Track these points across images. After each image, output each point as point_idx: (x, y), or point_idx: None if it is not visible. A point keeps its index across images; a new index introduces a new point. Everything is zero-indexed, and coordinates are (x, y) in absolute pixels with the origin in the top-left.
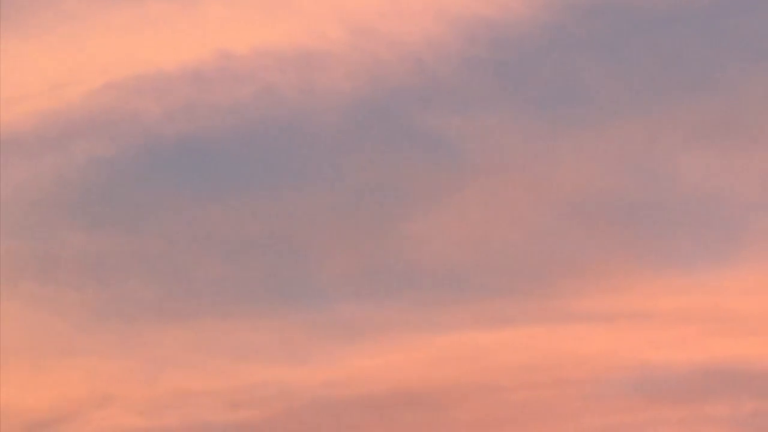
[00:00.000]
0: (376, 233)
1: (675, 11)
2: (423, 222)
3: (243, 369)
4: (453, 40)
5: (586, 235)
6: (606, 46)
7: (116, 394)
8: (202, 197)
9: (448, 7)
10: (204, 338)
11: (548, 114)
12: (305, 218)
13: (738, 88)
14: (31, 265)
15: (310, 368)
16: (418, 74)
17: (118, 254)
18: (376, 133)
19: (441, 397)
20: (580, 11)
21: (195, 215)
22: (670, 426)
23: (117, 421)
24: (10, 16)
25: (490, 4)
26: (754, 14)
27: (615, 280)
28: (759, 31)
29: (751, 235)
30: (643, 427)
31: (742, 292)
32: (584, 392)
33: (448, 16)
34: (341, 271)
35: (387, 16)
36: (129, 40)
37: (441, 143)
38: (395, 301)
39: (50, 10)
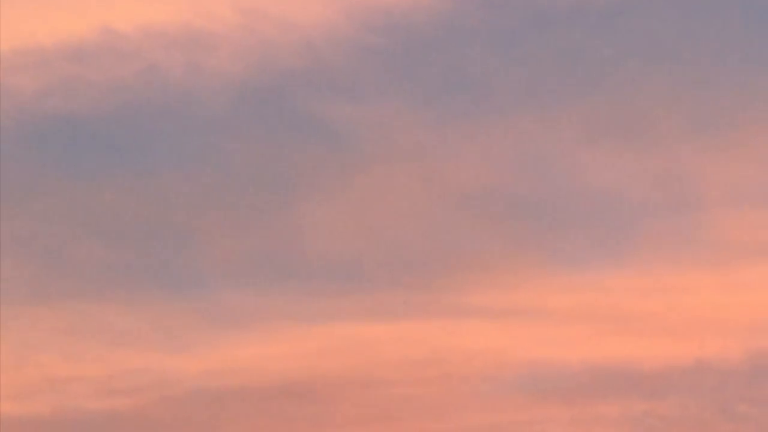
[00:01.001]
0: (263, 220)
1: (575, 8)
2: (311, 211)
3: (118, 355)
4: (346, 26)
5: (479, 229)
6: (504, 39)
7: None
8: (80, 177)
9: None
10: (78, 322)
11: (443, 105)
12: (188, 202)
13: (636, 88)
14: None
15: (190, 357)
16: (309, 59)
17: None
18: (265, 118)
19: (325, 389)
20: (477, 2)
21: (72, 195)
22: (560, 425)
23: None
24: None
25: None
26: (653, 14)
27: (506, 276)
28: (658, 32)
29: (644, 235)
30: (531, 426)
31: (634, 292)
32: (472, 389)
33: (341, 1)
34: (225, 257)
35: None
36: (7, 12)
37: (332, 130)
38: (280, 290)
39: None
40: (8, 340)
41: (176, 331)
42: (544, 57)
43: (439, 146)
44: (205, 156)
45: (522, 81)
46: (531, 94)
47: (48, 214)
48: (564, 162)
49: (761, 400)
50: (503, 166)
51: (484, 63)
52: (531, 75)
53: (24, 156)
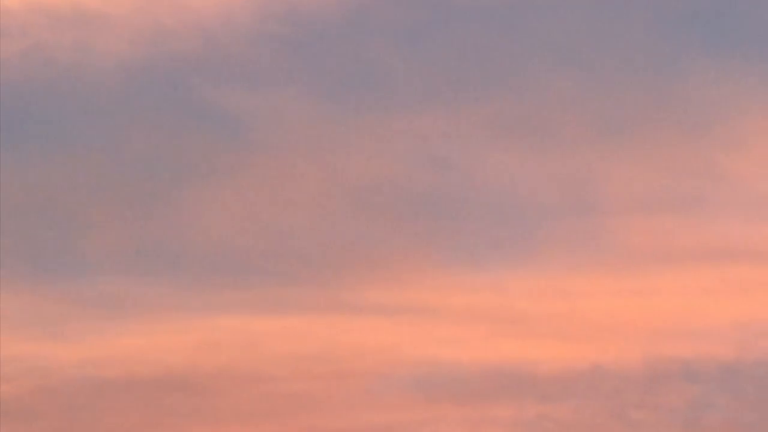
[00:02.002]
0: (151, 207)
1: (483, 6)
2: (202, 199)
3: None
4: (244, 12)
5: (376, 225)
6: (410, 35)
7: None
8: None
9: None
10: None
11: (344, 97)
12: (72, 186)
13: (541, 89)
14: None
15: (69, 345)
16: (205, 44)
17: None
18: (157, 102)
19: (210, 383)
20: None
21: None
22: (452, 426)
23: None
24: None
25: None
26: (561, 16)
27: (403, 274)
28: (565, 34)
29: (545, 237)
30: (423, 426)
31: (533, 294)
32: (364, 386)
33: None
34: (110, 244)
35: None
36: None
37: (226, 118)
38: (167, 279)
39: None
40: None
41: (56, 319)
42: (450, 55)
43: (338, 139)
44: (92, 139)
45: (426, 77)
46: (435, 91)
47: None
48: (466, 160)
49: (657, 406)
50: (404, 162)
51: (388, 57)
52: (436, 72)
53: None
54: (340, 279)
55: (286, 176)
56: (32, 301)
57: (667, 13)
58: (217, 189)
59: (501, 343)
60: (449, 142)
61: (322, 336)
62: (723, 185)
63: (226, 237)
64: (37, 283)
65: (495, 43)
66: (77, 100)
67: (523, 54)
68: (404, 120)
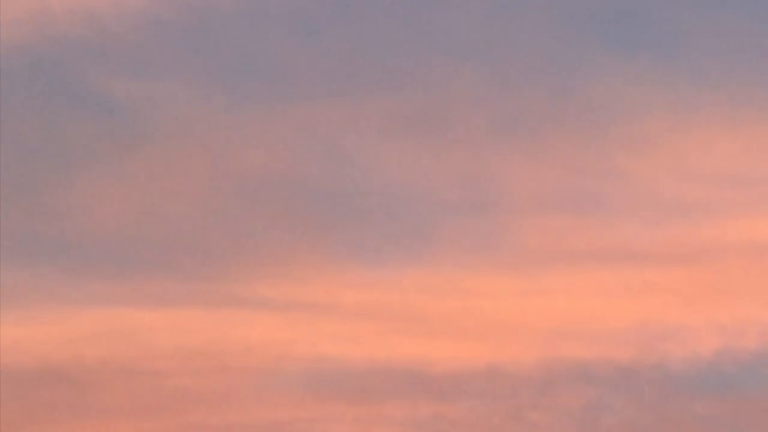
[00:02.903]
0: (32, 195)
1: None
2: (86, 188)
3: None
4: None
5: (266, 218)
6: (305, 24)
7: None
8: None
9: None
10: None
11: (236, 87)
12: None
13: (441, 85)
14: None
15: None
16: (90, 28)
17: None
18: (39, 87)
19: (88, 377)
20: None
21: None
22: (343, 425)
23: None
24: None
25: None
26: (461, 10)
27: (295, 268)
28: (466, 29)
29: (442, 235)
30: (313, 424)
31: (429, 291)
32: (252, 383)
33: None
34: None
35: None
36: None
37: (112, 105)
38: (42, 268)
39: None
40: None
41: None
42: (349, 46)
43: (230, 130)
44: None
45: (323, 68)
46: (332, 82)
47: None
48: (363, 155)
49: (553, 407)
50: (298, 154)
51: (283, 47)
52: (333, 63)
53: None
54: (230, 272)
55: (175, 167)
56: None
57: (569, 11)
58: (102, 178)
59: (395, 341)
60: (345, 136)
61: (210, 330)
62: (623, 186)
63: (111, 227)
64: None
65: (395, 35)
66: None
67: (424, 48)
68: (299, 112)
